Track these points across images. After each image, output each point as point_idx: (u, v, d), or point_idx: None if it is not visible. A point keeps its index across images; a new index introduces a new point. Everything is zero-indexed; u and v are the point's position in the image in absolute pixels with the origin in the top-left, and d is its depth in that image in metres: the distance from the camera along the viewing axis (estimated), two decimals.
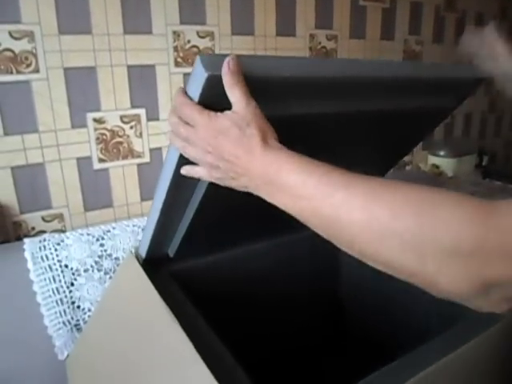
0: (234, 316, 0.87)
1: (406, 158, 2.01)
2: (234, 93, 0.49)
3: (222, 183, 0.54)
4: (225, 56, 0.49)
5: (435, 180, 1.89)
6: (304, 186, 0.44)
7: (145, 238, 0.74)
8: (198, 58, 0.48)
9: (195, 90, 0.50)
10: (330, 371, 0.98)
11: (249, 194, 0.65)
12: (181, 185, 0.63)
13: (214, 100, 0.51)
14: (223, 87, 0.50)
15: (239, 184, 0.52)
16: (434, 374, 0.54)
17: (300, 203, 0.45)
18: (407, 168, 2.01)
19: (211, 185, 0.62)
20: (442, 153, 2.01)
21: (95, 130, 1.15)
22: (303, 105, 0.59)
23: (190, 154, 0.53)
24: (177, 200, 0.67)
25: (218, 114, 0.50)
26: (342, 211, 0.41)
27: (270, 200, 0.49)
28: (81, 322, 0.92)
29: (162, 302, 0.66)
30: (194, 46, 1.25)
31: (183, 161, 0.56)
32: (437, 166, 1.99)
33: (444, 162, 2.00)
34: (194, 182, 0.64)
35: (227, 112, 0.50)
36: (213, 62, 0.48)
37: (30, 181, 1.10)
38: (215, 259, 0.85)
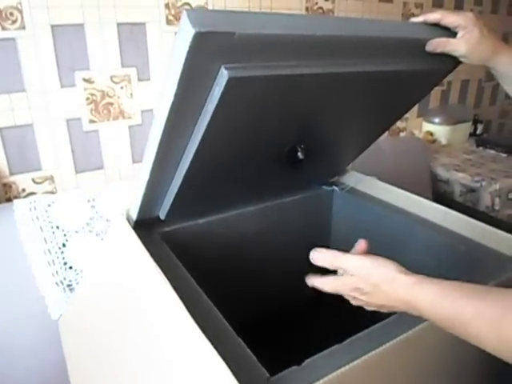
0: (226, 278, 0.88)
1: (401, 125, 2.00)
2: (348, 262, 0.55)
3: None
4: (215, 12, 0.46)
5: (429, 147, 1.88)
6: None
7: (135, 200, 0.73)
8: (184, 12, 0.45)
9: (182, 49, 0.47)
10: (319, 333, 1.00)
11: (242, 158, 0.64)
12: (170, 144, 0.61)
13: (202, 60, 0.49)
14: (212, 46, 0.47)
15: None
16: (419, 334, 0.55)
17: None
18: (401, 135, 2.00)
19: (202, 145, 0.61)
20: (436, 120, 2.00)
21: (85, 89, 1.12)
22: (296, 65, 0.58)
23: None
24: (167, 160, 0.65)
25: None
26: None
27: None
28: (73, 283, 0.93)
29: (153, 264, 0.66)
30: (186, 4, 1.21)
31: (173, 119, 0.55)
32: (431, 133, 1.99)
33: (438, 130, 1.99)
34: (183, 142, 0.63)
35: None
36: (201, 17, 0.45)
37: (19, 142, 1.08)
38: (207, 222, 0.85)
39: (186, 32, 0.45)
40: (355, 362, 0.49)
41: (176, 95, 0.52)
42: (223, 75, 0.51)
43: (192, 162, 0.65)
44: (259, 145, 0.73)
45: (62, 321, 0.90)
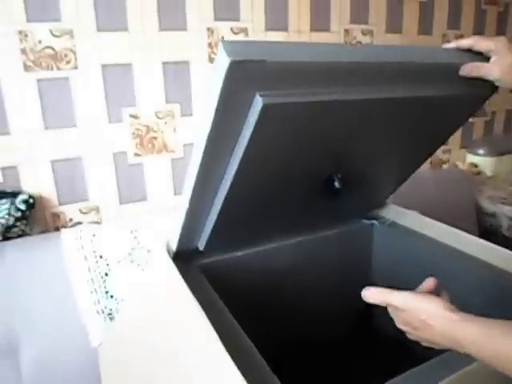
0: (262, 312, 0.87)
1: (444, 157, 1.95)
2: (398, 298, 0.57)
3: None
4: (248, 42, 0.48)
5: (473, 179, 1.82)
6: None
7: (175, 231, 0.75)
8: (220, 43, 0.47)
9: (218, 78, 0.49)
10: (358, 371, 0.97)
11: (278, 188, 0.65)
12: (209, 173, 0.63)
13: (237, 87, 0.51)
14: (246, 74, 0.49)
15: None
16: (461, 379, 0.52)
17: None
18: (444, 167, 1.96)
19: (238, 173, 0.62)
20: (481, 151, 1.94)
21: (131, 125, 1.17)
22: (328, 91, 0.58)
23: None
24: (205, 189, 0.67)
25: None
26: None
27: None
28: (113, 312, 0.95)
29: (191, 296, 0.67)
30: None
31: (210, 147, 0.57)
32: (475, 165, 1.93)
33: (483, 161, 1.93)
34: (221, 170, 0.64)
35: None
36: (236, 47, 0.47)
37: (69, 174, 1.14)
38: (244, 254, 0.86)
39: (222, 61, 0.48)
40: None
41: (213, 123, 0.54)
42: (258, 102, 0.53)
43: (229, 191, 0.66)
44: (295, 174, 0.73)
45: (101, 349, 0.92)
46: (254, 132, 0.56)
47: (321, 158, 0.73)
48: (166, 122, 1.21)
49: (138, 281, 0.89)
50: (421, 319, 0.53)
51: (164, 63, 1.18)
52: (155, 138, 1.21)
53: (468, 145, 2.01)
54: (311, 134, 0.65)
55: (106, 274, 0.96)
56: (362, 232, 1.02)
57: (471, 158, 1.96)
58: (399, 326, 0.58)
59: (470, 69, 0.67)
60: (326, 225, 0.97)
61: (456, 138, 1.97)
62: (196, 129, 0.58)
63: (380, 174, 0.91)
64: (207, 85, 1.14)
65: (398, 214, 1.01)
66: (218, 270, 0.83)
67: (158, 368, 0.72)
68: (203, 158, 0.59)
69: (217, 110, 0.52)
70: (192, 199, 0.67)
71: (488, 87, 0.70)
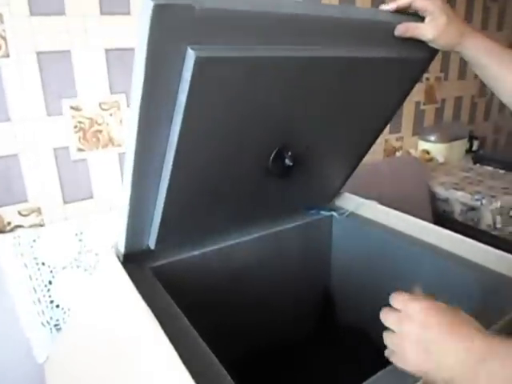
0: (222, 314, 0.83)
1: (396, 144, 1.97)
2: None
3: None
4: None
5: (426, 166, 1.86)
6: None
7: (121, 231, 0.69)
8: None
9: (144, 28, 0.45)
10: (320, 363, 0.95)
11: (225, 169, 0.59)
12: (147, 152, 0.58)
13: (165, 38, 0.46)
14: (173, 22, 0.45)
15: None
16: None
17: None
18: (397, 154, 1.98)
19: (180, 150, 0.57)
20: (432, 138, 1.98)
21: (72, 117, 1.08)
22: (266, 47, 0.54)
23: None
24: (146, 179, 0.62)
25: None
26: None
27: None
28: (60, 323, 0.87)
29: (142, 302, 0.62)
30: None
31: (145, 117, 0.52)
32: (427, 152, 1.96)
33: (435, 148, 1.97)
34: (160, 150, 0.58)
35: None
36: None
37: (4, 173, 1.04)
38: (201, 254, 0.81)
39: (146, 7, 0.44)
40: None
41: (145, 83, 0.49)
42: (190, 56, 0.48)
43: (172, 174, 0.61)
44: (242, 151, 0.68)
45: (48, 364, 0.84)
46: (190, 95, 0.51)
47: (268, 129, 0.68)
48: (111, 114, 1.13)
49: (85, 288, 0.82)
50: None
51: (107, 50, 1.09)
52: (100, 131, 1.13)
53: (419, 132, 2.04)
54: (253, 99, 0.60)
55: (50, 282, 0.88)
56: (321, 224, 1.00)
57: (423, 145, 1.99)
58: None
59: (405, 29, 0.65)
60: (283, 217, 0.94)
61: (408, 125, 2.00)
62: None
63: (332, 153, 0.87)
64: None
65: (357, 204, 0.99)
66: (172, 272, 0.78)
67: (111, 381, 0.67)
68: (138, 133, 0.54)
69: (146, 67, 0.47)
70: (133, 191, 0.61)
71: (427, 50, 0.69)
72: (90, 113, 1.10)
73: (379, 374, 0.51)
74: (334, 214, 0.98)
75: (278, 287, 0.96)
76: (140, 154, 0.56)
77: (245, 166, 0.72)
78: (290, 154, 0.73)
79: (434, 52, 0.71)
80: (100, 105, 1.11)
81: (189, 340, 0.57)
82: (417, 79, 0.79)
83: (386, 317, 0.50)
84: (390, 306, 0.51)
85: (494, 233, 1.56)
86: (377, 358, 0.88)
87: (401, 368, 0.47)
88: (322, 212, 0.98)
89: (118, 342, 0.67)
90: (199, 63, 0.49)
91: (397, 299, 0.50)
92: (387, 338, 0.49)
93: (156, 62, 0.48)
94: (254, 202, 0.82)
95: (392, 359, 0.48)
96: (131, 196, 0.61)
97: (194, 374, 0.47)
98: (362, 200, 1.00)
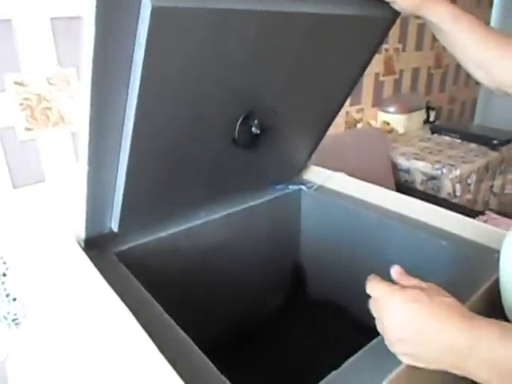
0: (193, 294, 0.80)
1: (357, 116, 1.98)
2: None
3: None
4: None
5: (387, 137, 1.87)
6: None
7: (80, 214, 0.64)
8: None
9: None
10: (291, 337, 0.95)
11: (189, 139, 0.54)
12: (103, 122, 0.52)
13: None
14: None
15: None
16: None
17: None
18: (358, 126, 1.99)
19: (139, 120, 0.52)
20: (391, 109, 1.99)
21: (17, 94, 0.99)
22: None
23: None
24: (104, 148, 0.56)
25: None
26: None
27: (459, 372, 0.41)
28: (19, 316, 0.81)
29: (110, 290, 0.57)
30: None
31: (99, 78, 0.47)
32: (387, 123, 1.98)
33: (394, 119, 1.99)
34: (118, 119, 0.53)
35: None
36: None
37: None
38: (168, 235, 0.76)
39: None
40: None
41: (96, 41, 0.43)
42: (146, 5, 0.43)
43: (132, 147, 0.56)
44: (206, 118, 0.64)
45: (9, 361, 0.78)
46: (147, 52, 0.46)
47: (232, 94, 0.64)
48: (60, 90, 1.04)
49: (43, 278, 0.76)
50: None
51: (53, 19, 1.00)
52: (49, 108, 1.04)
53: (379, 103, 2.06)
54: (217, 57, 0.55)
55: (4, 275, 0.81)
56: (290, 198, 0.98)
57: (383, 116, 2.01)
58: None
59: None
60: (251, 193, 0.91)
61: (368, 96, 2.00)
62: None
63: (299, 121, 0.84)
64: None
65: (325, 177, 0.98)
66: (139, 256, 0.73)
67: (81, 374, 0.63)
68: (93, 100, 0.48)
69: (97, 20, 0.42)
70: (91, 169, 0.56)
71: (389, 11, 0.66)
72: (36, 88, 1.01)
73: (360, 353, 0.49)
74: (303, 187, 0.96)
75: (248, 264, 0.93)
76: (96, 127, 0.51)
77: (210, 136, 0.67)
78: (256, 121, 0.70)
79: (396, 14, 0.68)
80: (48, 79, 1.03)
81: (163, 325, 0.54)
82: (379, 42, 0.76)
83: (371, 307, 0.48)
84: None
85: (453, 200, 1.60)
86: (347, 330, 0.89)
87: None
88: (291, 186, 0.96)
89: (85, 333, 0.62)
90: (156, 14, 0.43)
91: (374, 289, 0.47)
92: (378, 328, 0.47)
93: (107, 15, 0.42)
94: (222, 177, 0.78)
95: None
96: (88, 174, 0.56)
97: (170, 359, 0.45)
98: (329, 172, 0.99)
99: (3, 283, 0.80)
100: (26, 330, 0.76)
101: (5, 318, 0.80)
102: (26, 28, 0.97)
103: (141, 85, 0.48)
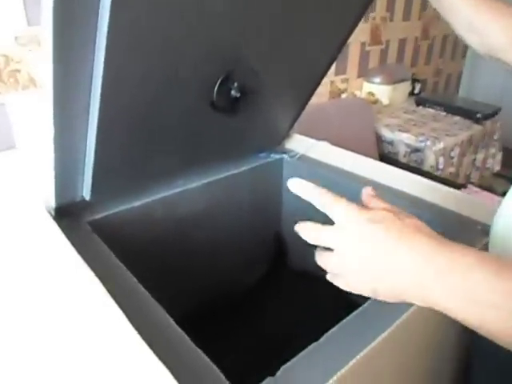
0: (170, 266, 0.78)
1: (342, 86, 1.94)
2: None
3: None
4: None
5: (372, 108, 1.85)
6: (491, 292, 0.33)
7: (48, 181, 0.60)
8: None
9: None
10: (272, 308, 0.94)
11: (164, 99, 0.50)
12: (68, 80, 0.48)
13: None
14: None
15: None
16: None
17: (482, 311, 0.34)
18: (343, 96, 1.95)
19: (108, 77, 0.48)
20: (377, 80, 1.96)
21: None
22: None
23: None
24: (71, 119, 0.53)
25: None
26: None
27: (422, 303, 0.37)
28: None
29: (80, 260, 0.55)
30: None
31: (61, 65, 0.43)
32: (372, 94, 1.95)
33: (379, 90, 1.96)
34: (84, 77, 0.49)
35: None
36: None
37: None
38: (143, 204, 0.73)
39: None
40: (343, 370, 0.40)
41: None
42: None
43: (101, 108, 0.52)
44: (182, 78, 0.59)
45: None
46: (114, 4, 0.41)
47: (209, 52, 0.59)
48: (30, 50, 0.98)
49: (12, 247, 0.73)
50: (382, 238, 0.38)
51: None
52: (18, 70, 0.98)
53: (364, 74, 2.02)
54: (189, 6, 0.50)
55: None
56: (272, 167, 0.95)
57: (368, 87, 1.98)
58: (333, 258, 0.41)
59: None
60: (232, 161, 0.87)
61: (353, 66, 1.96)
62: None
63: (281, 86, 0.79)
64: None
65: (308, 146, 0.95)
66: (113, 225, 0.70)
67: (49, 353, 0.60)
68: (56, 55, 0.44)
69: None
70: (57, 132, 0.52)
71: None
72: (4, 49, 0.95)
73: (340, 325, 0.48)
74: (285, 156, 0.93)
75: (227, 234, 0.91)
76: (60, 84, 0.47)
77: (187, 99, 0.63)
78: (236, 84, 0.66)
79: None
80: (16, 39, 0.96)
81: (136, 297, 0.51)
82: (365, 4, 0.72)
83: (310, 233, 0.43)
84: None
85: (436, 173, 1.60)
86: (328, 301, 0.88)
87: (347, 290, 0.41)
88: (273, 155, 0.93)
89: (53, 304, 0.60)
90: None
91: (331, 210, 0.42)
92: (320, 258, 0.42)
93: None
94: (200, 144, 0.75)
95: (335, 282, 0.42)
96: (55, 138, 0.52)
97: (144, 333, 0.43)
98: (312, 141, 0.96)
99: None
100: None
101: None
102: None
103: (108, 36, 0.44)
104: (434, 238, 0.37)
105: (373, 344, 0.43)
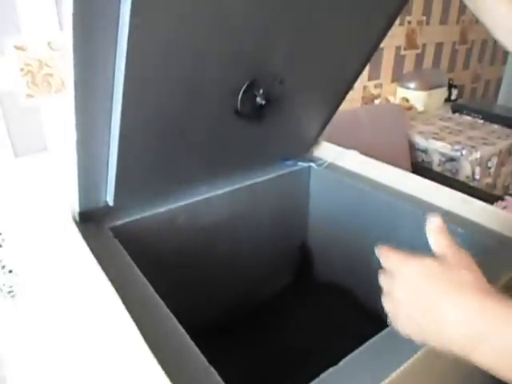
0: (192, 272, 0.77)
1: (375, 91, 1.89)
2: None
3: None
4: None
5: (406, 114, 1.79)
6: None
7: (72, 186, 0.60)
8: None
9: None
10: (296, 319, 0.92)
11: (187, 107, 0.48)
12: (90, 86, 0.48)
13: None
14: None
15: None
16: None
17: None
18: (376, 102, 1.90)
19: (129, 87, 0.48)
20: (412, 85, 1.90)
21: (18, 58, 0.95)
22: None
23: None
24: (93, 123, 0.53)
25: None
26: None
27: (465, 356, 0.36)
28: (14, 289, 0.79)
29: (98, 267, 0.55)
30: None
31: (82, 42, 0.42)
32: (407, 100, 1.90)
33: (414, 95, 1.90)
34: (106, 81, 0.49)
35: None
36: None
37: None
38: (167, 210, 0.73)
39: None
40: None
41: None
42: None
43: (124, 112, 0.51)
44: (205, 85, 0.58)
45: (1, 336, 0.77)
46: (134, 7, 0.41)
47: (234, 59, 0.58)
48: (62, 56, 1.00)
49: (37, 250, 0.74)
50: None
51: None
52: (51, 74, 1.00)
53: (399, 79, 1.96)
54: (212, 14, 0.49)
55: (0, 246, 0.79)
56: (299, 176, 0.93)
57: (402, 93, 1.92)
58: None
59: None
60: (257, 169, 0.86)
61: (387, 71, 1.91)
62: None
63: (309, 92, 0.78)
64: None
65: (336, 154, 0.92)
66: (135, 231, 0.70)
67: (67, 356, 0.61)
68: (76, 59, 0.44)
69: None
70: (80, 136, 0.52)
71: None
72: (37, 53, 0.97)
73: (374, 339, 0.45)
74: (312, 164, 0.91)
75: (252, 243, 0.90)
76: (82, 91, 0.47)
77: (211, 106, 0.62)
78: (261, 91, 0.64)
79: None
80: (49, 44, 0.98)
81: (151, 308, 0.50)
82: (399, 6, 0.69)
83: (381, 280, 0.44)
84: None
85: (472, 184, 1.53)
86: (353, 314, 0.85)
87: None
88: (300, 163, 0.91)
89: (71, 310, 0.60)
90: None
91: (385, 257, 0.43)
92: (385, 304, 0.43)
93: None
94: (225, 151, 0.73)
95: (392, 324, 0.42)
96: (78, 144, 0.52)
97: (153, 346, 0.42)
98: (341, 150, 0.93)
99: None
100: (20, 303, 0.74)
101: (0, 289, 0.78)
102: None
103: (129, 45, 0.43)
104: (481, 292, 0.36)
105: (397, 371, 0.41)
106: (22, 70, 0.96)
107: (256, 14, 0.53)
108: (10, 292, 0.80)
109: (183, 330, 0.47)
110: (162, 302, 0.51)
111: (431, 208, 0.74)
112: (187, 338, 0.45)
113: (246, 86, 0.62)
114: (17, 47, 0.94)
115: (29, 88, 0.98)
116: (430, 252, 0.51)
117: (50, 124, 1.04)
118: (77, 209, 0.65)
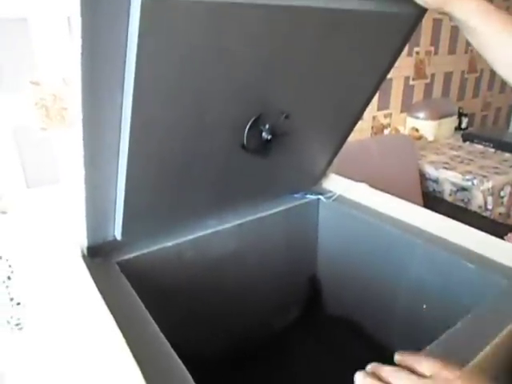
0: (198, 306, 0.76)
1: (385, 121, 1.90)
2: None
3: None
4: None
5: (416, 144, 1.79)
6: None
7: (80, 221, 0.61)
8: None
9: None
10: (304, 354, 0.90)
11: (193, 143, 0.49)
12: (98, 121, 0.49)
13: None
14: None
15: None
16: None
17: None
18: (386, 132, 1.91)
19: (136, 122, 0.49)
20: (421, 115, 1.91)
21: (33, 93, 0.98)
22: None
23: None
24: (100, 156, 0.53)
25: None
26: None
27: None
28: (21, 321, 0.79)
29: (103, 303, 0.54)
30: None
31: (90, 79, 0.44)
32: (416, 129, 1.90)
33: (424, 125, 1.90)
34: (113, 118, 0.50)
35: None
36: None
37: None
38: (175, 244, 0.73)
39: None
40: None
41: (85, 36, 0.40)
42: None
43: (131, 149, 0.52)
44: (211, 121, 0.59)
45: (8, 368, 0.76)
46: (140, 48, 0.42)
47: (239, 95, 0.59)
48: None
49: (44, 284, 0.74)
50: None
51: (70, 18, 0.98)
52: (65, 108, 1.03)
53: (408, 109, 1.97)
54: (219, 54, 0.51)
55: (9, 278, 0.79)
56: (307, 208, 0.93)
57: (412, 122, 1.93)
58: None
59: None
60: (265, 202, 0.86)
61: (396, 101, 1.93)
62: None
63: (316, 126, 0.78)
64: None
65: (345, 186, 0.92)
66: (142, 266, 0.70)
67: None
68: (85, 100, 0.45)
69: (83, 16, 0.38)
70: (88, 173, 0.53)
71: (414, 7, 0.60)
72: (52, 88, 1.00)
73: None
74: (321, 197, 0.91)
75: (261, 277, 0.89)
76: (90, 127, 0.48)
77: (217, 141, 0.63)
78: (267, 126, 0.65)
79: (421, 10, 0.62)
80: (64, 80, 1.01)
81: (154, 346, 0.50)
82: (402, 42, 0.70)
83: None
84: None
85: (484, 214, 1.51)
86: (362, 348, 0.83)
87: None
88: (308, 195, 0.91)
89: (75, 345, 0.59)
90: (148, 8, 0.39)
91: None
92: None
93: (94, 9, 0.39)
94: (233, 185, 0.74)
95: None
96: (86, 178, 0.53)
97: None
98: (350, 182, 0.93)
99: (7, 287, 0.79)
100: (27, 336, 0.73)
101: (8, 322, 0.78)
102: (42, 27, 0.96)
103: (135, 85, 0.45)
104: None
105: None
106: (36, 104, 0.99)
107: (259, 56, 0.55)
108: (17, 324, 0.80)
109: (184, 367, 0.46)
110: (164, 340, 0.50)
111: (440, 241, 0.73)
112: (188, 376, 0.45)
113: (251, 121, 0.63)
114: (32, 82, 0.97)
115: (43, 121, 1.01)
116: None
117: (63, 156, 1.06)
118: (85, 243, 0.65)
